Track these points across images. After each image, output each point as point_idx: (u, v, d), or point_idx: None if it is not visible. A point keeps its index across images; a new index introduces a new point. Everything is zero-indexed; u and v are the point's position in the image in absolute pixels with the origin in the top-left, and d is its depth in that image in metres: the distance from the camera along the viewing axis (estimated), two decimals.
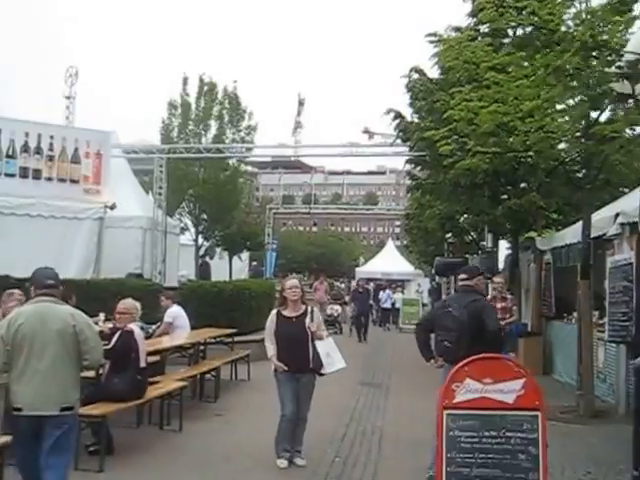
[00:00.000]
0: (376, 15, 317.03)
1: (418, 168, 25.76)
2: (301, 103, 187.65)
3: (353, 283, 58.09)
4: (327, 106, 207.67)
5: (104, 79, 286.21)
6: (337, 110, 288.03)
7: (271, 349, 9.90)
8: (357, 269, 69.87)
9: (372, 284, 55.71)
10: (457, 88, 16.09)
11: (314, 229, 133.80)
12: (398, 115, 22.51)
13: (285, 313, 9.91)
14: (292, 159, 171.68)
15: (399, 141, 24.68)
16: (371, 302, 34.64)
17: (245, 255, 41.08)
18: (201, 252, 34.07)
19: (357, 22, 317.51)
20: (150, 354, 12.03)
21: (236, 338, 18.00)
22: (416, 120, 22.07)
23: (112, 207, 23.55)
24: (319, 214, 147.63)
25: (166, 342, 14.48)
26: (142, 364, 10.37)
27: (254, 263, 46.37)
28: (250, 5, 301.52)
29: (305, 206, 67.25)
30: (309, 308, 9.96)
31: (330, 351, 9.93)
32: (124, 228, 25.85)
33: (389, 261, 64.66)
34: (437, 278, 58.82)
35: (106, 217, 23.82)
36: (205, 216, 32.79)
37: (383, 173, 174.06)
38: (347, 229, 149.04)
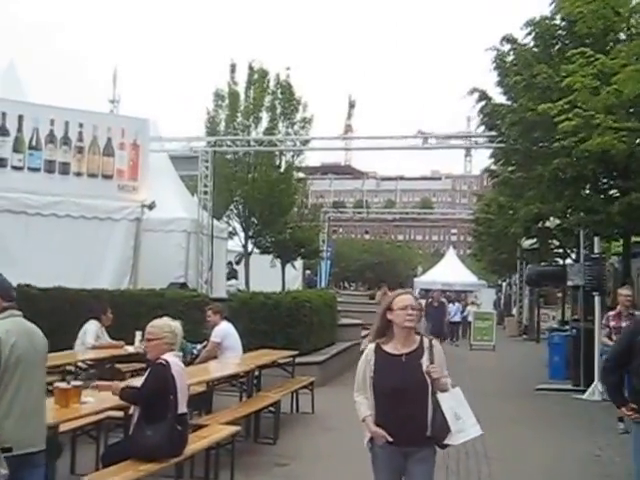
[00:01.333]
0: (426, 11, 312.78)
1: (500, 162, 23.04)
2: (352, 105, 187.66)
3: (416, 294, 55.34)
4: (378, 108, 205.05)
5: (146, 75, 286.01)
6: (388, 112, 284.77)
7: (364, 406, 6.23)
8: (415, 279, 67.32)
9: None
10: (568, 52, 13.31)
11: (366, 236, 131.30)
12: (484, 96, 19.66)
13: (388, 349, 6.18)
14: (343, 164, 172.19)
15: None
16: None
17: (299, 263, 38.48)
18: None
19: (407, 19, 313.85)
20: (194, 385, 9.52)
21: (296, 360, 15.40)
22: (506, 102, 19.24)
23: (151, 206, 21.14)
24: (372, 220, 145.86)
25: (214, 371, 11.87)
26: (182, 409, 7.67)
27: (308, 272, 43.67)
28: None
29: (359, 209, 64.86)
30: (425, 341, 6.23)
31: (459, 409, 6.08)
32: (165, 231, 23.71)
33: (450, 270, 62.08)
34: (508, 289, 56.40)
35: (144, 218, 21.42)
36: (255, 219, 30.13)
37: (438, 179, 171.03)
38: (401, 237, 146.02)
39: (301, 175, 32.91)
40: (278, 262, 34.33)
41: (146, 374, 7.68)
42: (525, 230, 25.61)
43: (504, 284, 61.01)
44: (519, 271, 41.66)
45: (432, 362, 6.06)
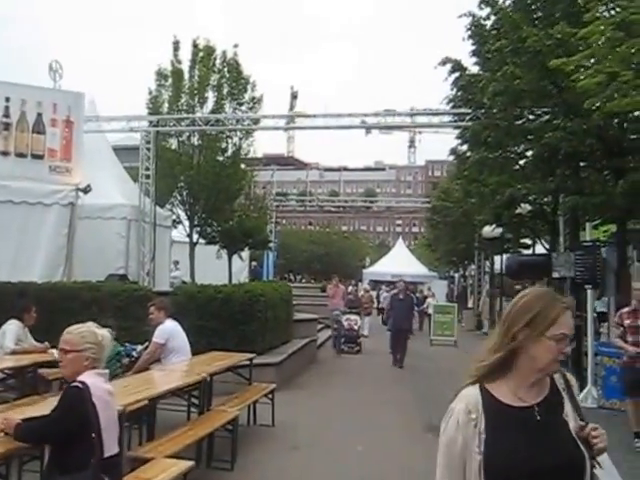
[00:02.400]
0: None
1: (468, 143, 21.14)
2: (294, 96, 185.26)
3: (361, 286, 53.56)
4: (321, 100, 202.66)
5: (86, 58, 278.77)
6: (332, 104, 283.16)
7: None
8: (364, 270, 65.59)
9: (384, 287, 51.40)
10: None
11: (310, 228, 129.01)
12: (457, 67, 17.65)
13: (504, 397, 3.29)
14: (286, 155, 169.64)
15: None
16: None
17: (245, 254, 36.09)
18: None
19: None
20: (132, 404, 7.34)
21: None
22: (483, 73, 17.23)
23: (86, 190, 18.81)
24: (316, 211, 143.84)
25: (157, 382, 9.53)
26: (110, 450, 5.26)
27: (254, 263, 41.25)
28: None
29: (308, 197, 62.81)
30: (557, 377, 3.41)
31: None
32: (103, 219, 21.84)
33: (399, 261, 60.43)
34: (462, 280, 54.76)
35: (79, 203, 19.07)
36: (201, 207, 27.73)
37: (382, 169, 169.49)
38: (345, 228, 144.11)
39: (251, 157, 30.42)
40: (224, 253, 31.93)
41: (57, 401, 5.34)
42: (495, 217, 23.64)
43: (457, 275, 59.48)
44: (477, 262, 39.92)
45: (581, 416, 3.40)
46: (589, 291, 16.34)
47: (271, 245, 41.24)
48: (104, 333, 5.54)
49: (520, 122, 16.52)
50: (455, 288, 54.85)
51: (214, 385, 11.06)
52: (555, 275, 17.44)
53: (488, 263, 38.79)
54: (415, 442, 11.75)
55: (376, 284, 57.59)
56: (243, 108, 27.48)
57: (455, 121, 21.17)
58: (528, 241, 36.68)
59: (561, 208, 14.94)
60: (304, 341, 20.36)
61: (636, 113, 14.84)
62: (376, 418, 13.65)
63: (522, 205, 23.72)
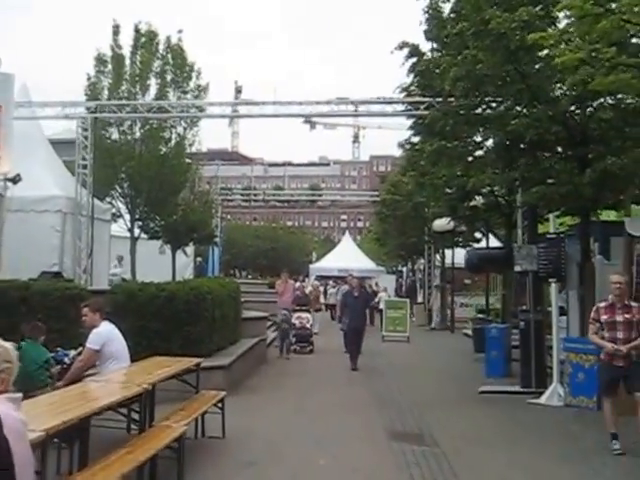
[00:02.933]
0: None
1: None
2: (238, 91, 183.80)
3: (309, 282, 52.41)
4: (270, 89, 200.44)
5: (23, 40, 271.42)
6: (283, 94, 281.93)
7: None
8: (311, 265, 64.48)
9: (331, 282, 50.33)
10: None
11: (254, 223, 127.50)
12: (415, 51, 16.58)
13: None
14: (230, 150, 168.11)
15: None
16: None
17: (190, 249, 34.72)
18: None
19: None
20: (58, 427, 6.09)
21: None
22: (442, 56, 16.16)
23: (15, 180, 17.36)
24: (261, 207, 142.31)
25: (91, 396, 8.25)
26: None
27: (199, 259, 39.77)
28: None
29: (253, 191, 61.59)
30: None
31: None
32: (36, 212, 20.53)
33: (346, 256, 59.49)
34: (411, 275, 53.83)
35: (8, 195, 17.58)
36: (143, 200, 26.30)
37: (327, 164, 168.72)
38: (290, 223, 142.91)
39: (195, 151, 28.98)
40: (168, 248, 30.56)
41: None
42: (450, 209, 22.67)
43: (404, 270, 58.66)
44: (427, 256, 39.04)
45: None
46: (553, 285, 15.43)
47: (217, 240, 39.97)
48: (10, 346, 4.28)
49: (481, 109, 15.50)
50: (403, 282, 53.94)
51: (157, 394, 9.84)
52: (517, 269, 16.51)
53: (438, 257, 37.92)
54: (381, 454, 10.65)
55: (323, 279, 56.51)
56: (188, 97, 26.15)
57: (409, 110, 20.07)
58: (478, 235, 36.08)
59: (528, 198, 13.87)
60: (254, 340, 19.15)
61: (607, 99, 14.00)
62: (336, 425, 12.49)
63: (477, 198, 22.85)
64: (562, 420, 13.25)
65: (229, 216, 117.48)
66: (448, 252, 35.12)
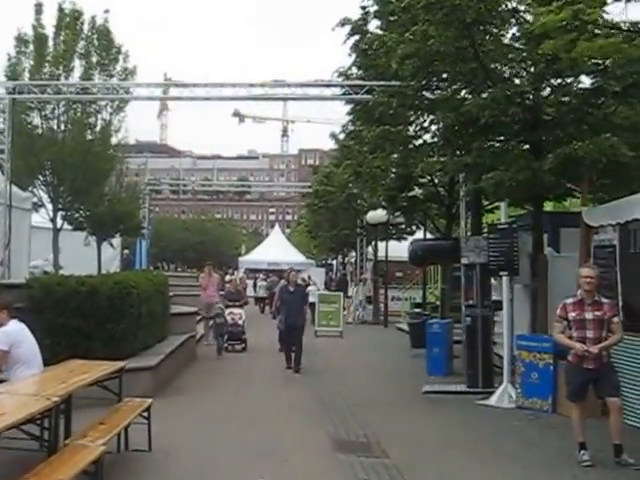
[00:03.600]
0: None
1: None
2: (168, 79, 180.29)
3: (237, 275, 50.99)
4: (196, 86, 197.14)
5: None
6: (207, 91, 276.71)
7: None
8: (240, 258, 63.10)
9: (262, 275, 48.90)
10: None
11: (183, 216, 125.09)
12: (358, 29, 15.30)
13: None
14: (159, 142, 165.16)
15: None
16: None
17: (117, 241, 32.89)
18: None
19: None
20: None
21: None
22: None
23: None
24: (189, 199, 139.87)
25: None
26: None
27: (126, 252, 37.77)
28: None
29: (183, 181, 59.97)
30: None
31: None
32: None
33: (276, 249, 58.37)
34: (341, 268, 52.69)
35: None
36: (66, 188, 24.46)
37: (255, 158, 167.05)
38: (218, 216, 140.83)
39: (121, 136, 27.10)
40: (93, 240, 28.75)
41: None
42: (389, 200, 21.46)
43: (335, 263, 57.55)
44: (360, 248, 37.89)
45: None
46: (504, 278, 14.32)
47: (144, 232, 38.17)
48: None
49: (430, 92, 14.32)
50: (333, 276, 52.77)
51: (75, 401, 8.40)
52: (464, 261, 15.40)
53: (371, 249, 36.83)
54: (328, 468, 9.36)
55: (253, 273, 55.15)
56: (114, 80, 24.40)
57: (349, 94, 18.76)
58: (414, 227, 35.13)
59: (484, 185, 12.65)
60: (183, 337, 17.71)
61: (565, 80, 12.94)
62: (276, 434, 11.13)
63: (415, 188, 21.77)
64: (518, 425, 12.14)
65: (157, 209, 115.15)
66: (382, 245, 34.03)
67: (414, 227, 35.29)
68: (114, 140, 25.85)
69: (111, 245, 30.30)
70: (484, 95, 12.67)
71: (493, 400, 13.82)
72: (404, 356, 21.45)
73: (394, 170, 21.19)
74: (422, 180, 21.85)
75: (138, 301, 14.02)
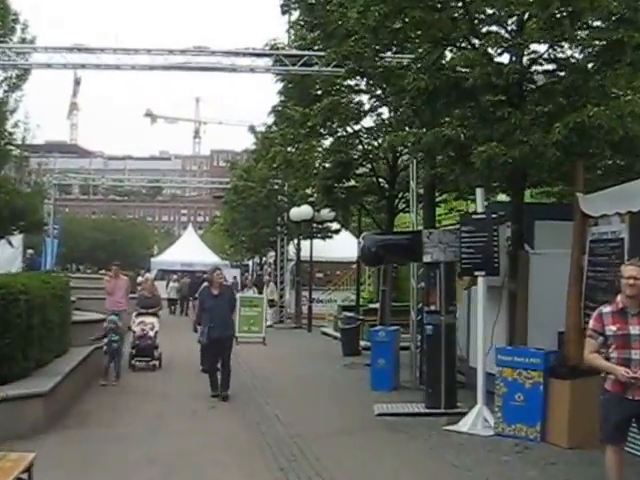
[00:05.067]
0: None
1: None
2: (77, 82, 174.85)
3: (147, 275, 47.47)
4: (106, 85, 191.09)
5: None
6: (117, 91, 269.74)
7: None
8: (152, 259, 59.45)
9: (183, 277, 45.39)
10: None
11: (94, 217, 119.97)
12: None
13: None
14: (68, 142, 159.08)
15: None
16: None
17: (18, 239, 29.05)
18: None
19: None
20: None
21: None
22: None
23: None
24: (100, 200, 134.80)
25: None
26: None
27: (30, 252, 33.53)
28: None
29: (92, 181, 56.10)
30: None
31: None
32: None
33: (189, 250, 55.13)
34: (258, 269, 49.58)
35: None
36: None
37: (168, 159, 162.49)
38: (130, 217, 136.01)
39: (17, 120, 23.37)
40: None
41: None
42: (325, 190, 18.52)
43: (250, 263, 54.39)
44: (280, 248, 34.85)
45: None
46: (480, 280, 11.58)
47: (48, 229, 34.29)
48: None
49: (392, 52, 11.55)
50: (249, 277, 49.65)
51: None
52: (427, 259, 12.64)
53: (292, 249, 33.94)
54: None
55: (165, 273, 51.71)
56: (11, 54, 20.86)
57: (284, 65, 15.82)
58: (336, 225, 32.54)
59: (475, 160, 9.82)
60: (88, 350, 14.42)
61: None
62: None
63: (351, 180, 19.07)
64: (508, 461, 9.40)
65: (67, 209, 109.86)
66: (305, 244, 31.22)
67: (338, 225, 32.76)
68: (10, 123, 22.08)
69: (10, 243, 26.42)
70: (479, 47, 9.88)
71: (465, 425, 11.08)
72: (338, 366, 18.64)
73: (331, 158, 18.50)
74: (359, 171, 19.27)
75: (28, 309, 10.76)
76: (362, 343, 21.09)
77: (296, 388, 15.44)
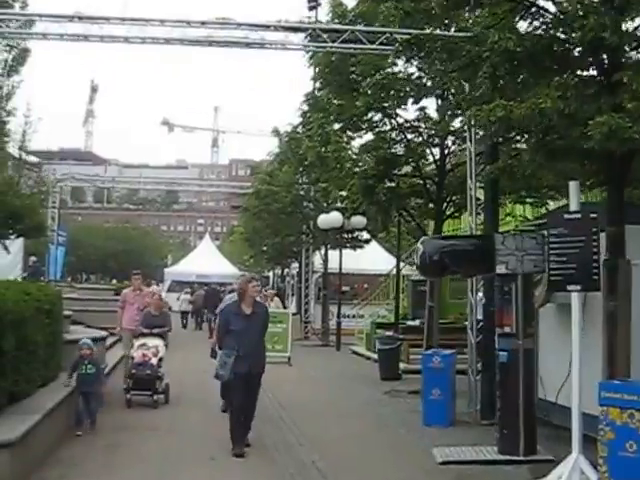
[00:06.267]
0: None
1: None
2: (94, 90, 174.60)
3: (163, 287, 45.54)
4: (123, 93, 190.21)
5: None
6: (135, 99, 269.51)
7: None
8: (166, 270, 57.39)
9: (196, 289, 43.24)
10: None
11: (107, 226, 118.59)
12: None
13: None
14: (83, 150, 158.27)
15: None
16: None
17: (18, 244, 26.92)
18: None
19: None
20: None
21: None
22: None
23: None
24: (114, 209, 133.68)
25: None
26: None
27: (33, 259, 31.38)
28: None
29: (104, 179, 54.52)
30: None
31: None
32: None
33: (206, 260, 53.26)
34: (279, 281, 47.36)
35: None
36: None
37: (185, 167, 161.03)
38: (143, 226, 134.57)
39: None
40: None
41: None
42: (365, 191, 16.15)
43: (271, 275, 52.16)
44: (305, 258, 32.55)
45: None
46: (574, 296, 9.23)
47: (52, 236, 32.19)
48: None
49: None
50: (270, 289, 47.38)
51: None
52: (500, 270, 10.35)
53: (318, 260, 31.71)
54: None
55: (179, 285, 49.71)
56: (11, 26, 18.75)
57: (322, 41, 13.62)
58: (365, 235, 30.43)
59: (592, 132, 7.45)
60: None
61: None
62: None
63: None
64: None
65: (80, 218, 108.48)
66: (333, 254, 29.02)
67: (367, 235, 30.56)
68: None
69: (5, 249, 24.13)
70: None
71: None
72: (378, 393, 16.37)
73: (369, 155, 16.34)
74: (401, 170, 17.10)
75: (2, 329, 8.54)
76: (401, 365, 19.15)
77: (334, 422, 13.10)
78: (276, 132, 32.43)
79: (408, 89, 12.24)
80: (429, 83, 12.96)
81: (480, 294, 14.80)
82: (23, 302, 9.42)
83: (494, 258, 10.35)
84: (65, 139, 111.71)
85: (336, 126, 16.47)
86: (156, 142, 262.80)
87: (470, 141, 13.63)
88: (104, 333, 15.29)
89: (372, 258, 33.66)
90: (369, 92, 12.92)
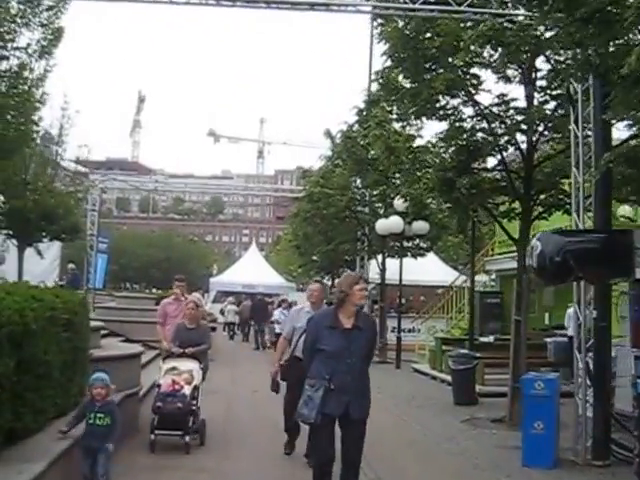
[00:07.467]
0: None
1: None
2: (141, 100, 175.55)
3: (208, 298, 43.81)
4: (170, 104, 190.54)
5: None
6: (181, 108, 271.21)
7: None
8: (211, 279, 55.65)
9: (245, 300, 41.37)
10: None
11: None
12: None
13: None
14: (130, 160, 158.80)
15: None
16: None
17: (54, 251, 25.00)
18: None
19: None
20: None
21: None
22: None
23: None
24: (159, 219, 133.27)
25: None
26: None
27: (71, 266, 29.18)
28: None
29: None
30: None
31: None
32: None
33: (252, 270, 51.56)
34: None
35: None
36: None
37: (230, 178, 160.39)
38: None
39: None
40: (12, 244, 20.95)
41: None
42: (444, 186, 13.82)
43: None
44: (360, 267, 30.24)
45: None
46: None
47: (91, 241, 30.37)
48: None
49: None
50: None
51: None
52: None
53: (373, 269, 29.44)
54: None
55: (225, 295, 47.88)
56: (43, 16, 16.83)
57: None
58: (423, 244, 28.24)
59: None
60: (115, 398, 9.84)
61: None
62: None
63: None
64: None
65: (125, 227, 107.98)
66: (391, 262, 26.85)
67: (427, 244, 28.30)
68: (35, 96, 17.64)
69: (39, 253, 22.09)
70: None
71: None
72: (456, 422, 14.11)
73: (447, 144, 14.09)
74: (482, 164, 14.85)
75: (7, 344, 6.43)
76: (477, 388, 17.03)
77: (414, 464, 10.71)
78: (328, 134, 30.78)
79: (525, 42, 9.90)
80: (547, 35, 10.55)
81: (570, 308, 12.62)
82: (30, 310, 7.23)
83: (632, 259, 8.07)
84: (112, 149, 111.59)
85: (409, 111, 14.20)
86: (202, 153, 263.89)
87: (576, 123, 11.35)
88: (140, 348, 13.12)
89: (428, 269, 31.49)
90: (470, 47, 10.59)
